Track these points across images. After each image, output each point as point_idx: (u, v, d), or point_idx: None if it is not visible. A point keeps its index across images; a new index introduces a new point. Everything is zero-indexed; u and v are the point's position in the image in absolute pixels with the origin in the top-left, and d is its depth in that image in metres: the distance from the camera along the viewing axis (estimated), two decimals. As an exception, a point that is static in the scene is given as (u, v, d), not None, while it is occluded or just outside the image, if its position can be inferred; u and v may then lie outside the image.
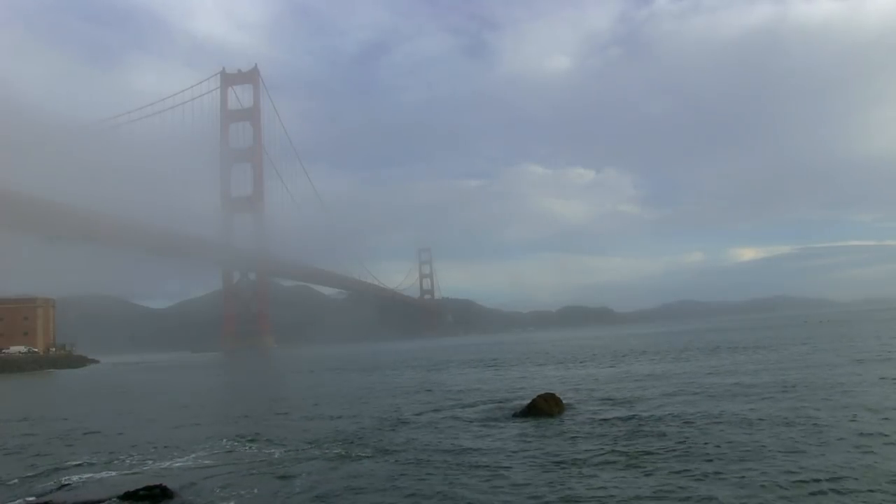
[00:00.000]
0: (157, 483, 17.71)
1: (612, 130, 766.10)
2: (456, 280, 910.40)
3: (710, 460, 17.80)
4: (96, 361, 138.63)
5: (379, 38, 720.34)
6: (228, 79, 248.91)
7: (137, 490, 17.16)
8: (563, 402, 29.96)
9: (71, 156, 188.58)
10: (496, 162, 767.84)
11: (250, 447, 23.64)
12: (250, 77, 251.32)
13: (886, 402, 26.30)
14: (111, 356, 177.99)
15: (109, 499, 16.96)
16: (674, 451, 19.28)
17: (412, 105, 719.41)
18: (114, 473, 20.18)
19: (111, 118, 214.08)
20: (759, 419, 23.81)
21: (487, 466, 18.80)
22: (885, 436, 19.78)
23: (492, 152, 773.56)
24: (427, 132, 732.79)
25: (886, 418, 22.64)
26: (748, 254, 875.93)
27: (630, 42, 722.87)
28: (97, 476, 19.95)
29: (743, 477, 16.01)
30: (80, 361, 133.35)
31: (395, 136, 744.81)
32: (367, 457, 21.15)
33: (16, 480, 19.79)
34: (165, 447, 24.29)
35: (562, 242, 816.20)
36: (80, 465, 21.75)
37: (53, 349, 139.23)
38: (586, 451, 20.09)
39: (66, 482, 19.27)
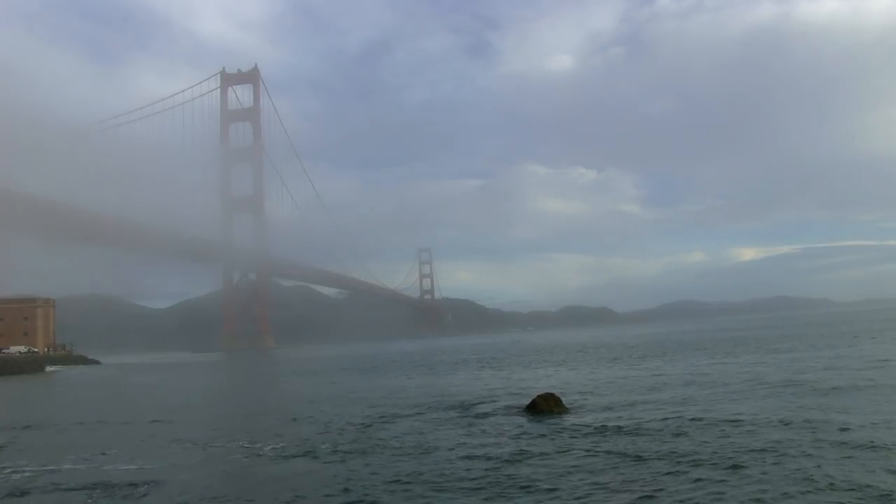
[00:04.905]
0: (140, 480, 18.08)
1: (614, 130, 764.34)
2: (456, 280, 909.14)
3: (700, 464, 17.65)
4: (97, 362, 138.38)
5: (381, 38, 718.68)
6: (228, 79, 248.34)
7: (119, 485, 17.55)
8: (564, 402, 29.96)
9: (71, 156, 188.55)
10: (497, 161, 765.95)
11: (242, 447, 23.60)
12: (250, 77, 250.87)
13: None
14: (111, 356, 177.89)
15: (89, 491, 17.38)
16: (669, 453, 19.24)
17: (414, 104, 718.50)
18: (98, 471, 20.21)
19: (111, 118, 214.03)
20: (756, 422, 23.81)
21: (482, 462, 18.79)
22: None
23: (493, 152, 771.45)
24: (428, 131, 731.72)
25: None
26: (749, 254, 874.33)
27: (632, 42, 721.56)
28: (80, 472, 20.03)
29: (732, 481, 16.01)
30: (80, 361, 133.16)
31: (396, 135, 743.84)
32: (359, 456, 21.11)
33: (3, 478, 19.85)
34: (153, 447, 24.38)
35: (562, 242, 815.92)
36: (65, 462, 21.76)
37: (53, 349, 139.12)
38: (583, 450, 20.08)
39: (50, 478, 19.35)
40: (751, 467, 16.95)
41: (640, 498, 15.00)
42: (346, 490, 16.84)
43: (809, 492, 14.73)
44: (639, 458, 18.64)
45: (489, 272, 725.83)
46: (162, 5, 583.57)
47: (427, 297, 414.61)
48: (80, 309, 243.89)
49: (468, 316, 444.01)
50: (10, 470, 20.82)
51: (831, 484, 15.20)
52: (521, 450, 20.73)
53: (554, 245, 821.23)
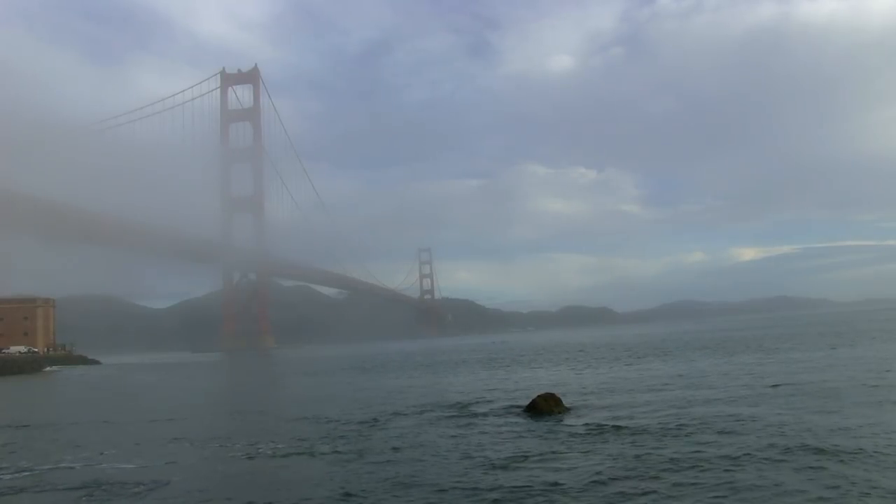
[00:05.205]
0: (138, 480, 18.23)
1: (614, 130, 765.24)
2: (456, 280, 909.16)
3: (699, 466, 17.55)
4: (97, 362, 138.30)
5: (382, 38, 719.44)
6: (228, 79, 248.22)
7: (117, 484, 17.77)
8: (564, 402, 29.90)
9: (71, 156, 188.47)
10: (497, 161, 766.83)
11: (241, 447, 23.53)
12: (250, 77, 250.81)
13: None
14: (111, 356, 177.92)
15: (88, 490, 17.46)
16: (668, 454, 19.17)
17: (414, 104, 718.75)
18: (97, 470, 20.18)
19: (111, 118, 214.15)
20: (755, 424, 23.77)
21: (482, 463, 18.76)
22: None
23: (493, 152, 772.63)
24: (429, 131, 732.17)
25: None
26: (749, 254, 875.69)
27: (632, 41, 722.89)
28: (78, 472, 20.05)
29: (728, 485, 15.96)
30: (80, 361, 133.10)
31: (396, 135, 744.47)
32: (359, 457, 21.03)
33: None
34: (152, 446, 24.36)
35: (562, 242, 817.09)
36: (63, 461, 21.79)
37: (53, 349, 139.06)
38: (583, 451, 20.02)
39: (48, 477, 19.44)
40: (750, 469, 16.87)
41: (638, 499, 14.96)
42: (345, 491, 16.77)
43: (809, 495, 14.69)
44: (638, 459, 18.58)
45: (489, 272, 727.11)
46: (162, 5, 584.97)
47: (427, 297, 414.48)
48: (80, 309, 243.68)
49: (468, 316, 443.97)
50: (7, 469, 20.80)
51: (831, 487, 15.16)
52: (521, 450, 20.67)
53: (554, 245, 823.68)
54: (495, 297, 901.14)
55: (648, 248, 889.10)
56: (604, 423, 24.99)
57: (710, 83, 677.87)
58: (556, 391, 32.07)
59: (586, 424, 24.80)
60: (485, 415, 29.41)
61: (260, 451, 22.72)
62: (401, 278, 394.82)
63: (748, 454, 18.38)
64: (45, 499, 17.33)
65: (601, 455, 19.39)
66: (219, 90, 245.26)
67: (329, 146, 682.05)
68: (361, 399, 39.91)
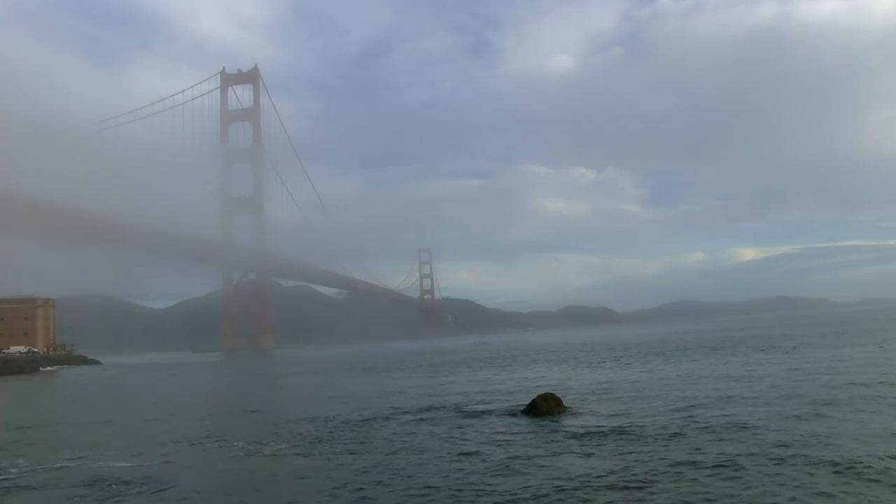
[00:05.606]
0: (137, 478, 18.38)
1: (615, 130, 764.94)
2: (456, 280, 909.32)
3: (698, 467, 17.49)
4: (97, 362, 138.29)
5: (382, 37, 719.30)
6: (228, 79, 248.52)
7: (115, 483, 17.97)
8: (564, 402, 29.86)
9: (71, 156, 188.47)
10: (498, 161, 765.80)
11: (240, 447, 23.54)
12: (250, 77, 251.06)
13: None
14: (111, 356, 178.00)
15: (87, 489, 17.59)
16: (667, 455, 19.16)
17: (414, 104, 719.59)
18: (95, 469, 20.17)
19: (111, 118, 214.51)
20: (756, 425, 23.73)
21: (481, 463, 18.73)
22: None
23: (493, 152, 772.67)
24: (429, 131, 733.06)
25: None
26: (749, 254, 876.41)
27: (632, 41, 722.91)
28: (76, 470, 20.06)
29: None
30: (80, 361, 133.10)
31: (396, 135, 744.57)
32: (357, 457, 21.03)
33: None
34: (151, 446, 24.39)
35: (562, 242, 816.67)
36: (60, 461, 21.82)
37: (53, 349, 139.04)
38: (582, 452, 20.02)
39: (45, 476, 19.42)
40: (750, 472, 16.81)
41: (638, 500, 14.93)
42: (343, 491, 16.77)
43: (810, 496, 14.66)
44: (638, 460, 18.56)
45: (489, 272, 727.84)
46: (162, 5, 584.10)
47: (427, 297, 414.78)
48: (80, 309, 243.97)
49: (468, 316, 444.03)
50: (7, 469, 20.77)
51: (832, 488, 15.14)
52: (521, 451, 20.65)
53: (554, 245, 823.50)
54: (495, 297, 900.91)
55: (648, 248, 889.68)
56: (603, 423, 24.96)
57: (711, 83, 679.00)
58: (556, 391, 32.03)
59: (586, 425, 24.77)
60: (484, 415, 29.37)
61: (259, 450, 22.72)
62: (401, 278, 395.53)
63: (749, 455, 18.35)
64: (46, 498, 17.31)
65: (601, 456, 19.36)
66: (219, 90, 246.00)
67: (329, 146, 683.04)
68: (361, 399, 39.87)
